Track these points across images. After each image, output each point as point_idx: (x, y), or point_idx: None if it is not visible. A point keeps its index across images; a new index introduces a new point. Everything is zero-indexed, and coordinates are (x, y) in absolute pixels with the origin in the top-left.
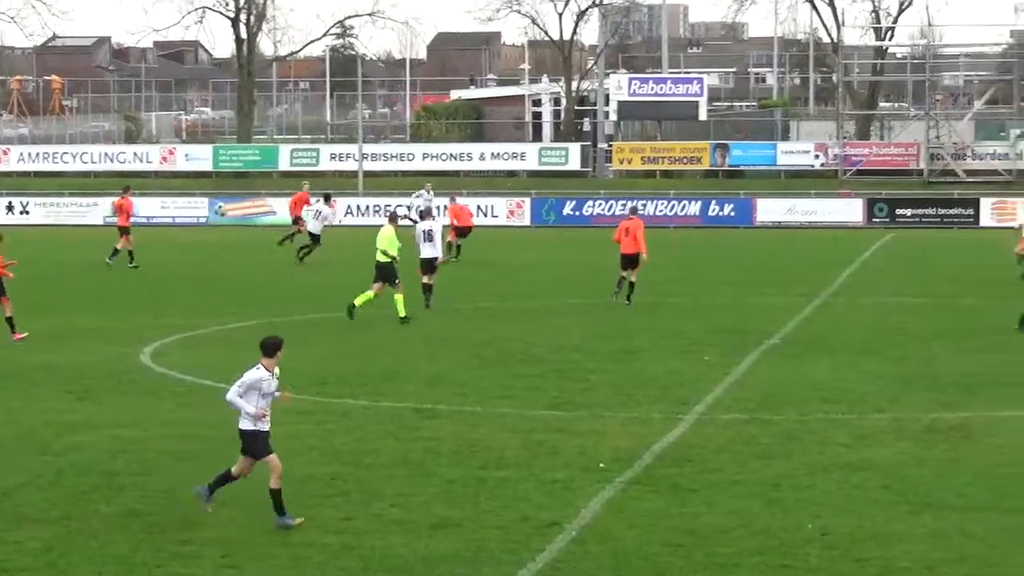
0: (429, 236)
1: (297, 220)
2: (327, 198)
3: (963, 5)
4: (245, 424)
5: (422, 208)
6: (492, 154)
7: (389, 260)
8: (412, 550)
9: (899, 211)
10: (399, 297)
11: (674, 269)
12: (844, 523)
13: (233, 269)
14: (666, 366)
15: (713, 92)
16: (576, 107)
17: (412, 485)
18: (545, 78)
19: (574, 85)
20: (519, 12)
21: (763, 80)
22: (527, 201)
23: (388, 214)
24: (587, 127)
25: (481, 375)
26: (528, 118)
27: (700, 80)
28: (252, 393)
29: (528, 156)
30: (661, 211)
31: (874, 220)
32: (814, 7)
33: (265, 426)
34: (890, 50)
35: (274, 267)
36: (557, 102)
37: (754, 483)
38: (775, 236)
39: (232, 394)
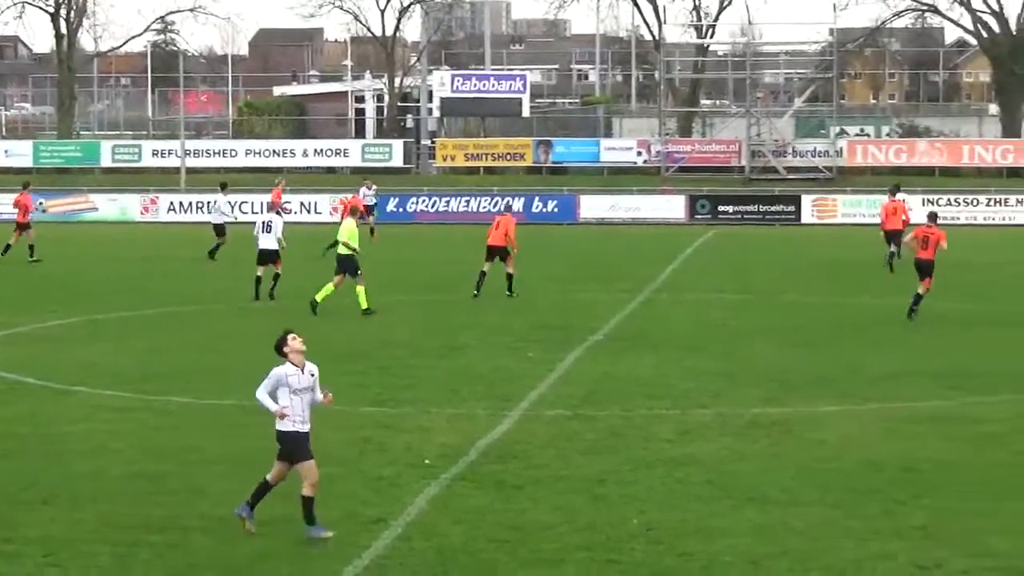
0: (268, 228)
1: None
2: (223, 187)
3: (783, 3)
4: (284, 425)
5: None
6: (315, 151)
7: (351, 252)
8: (238, 548)
9: (721, 208)
10: (361, 289)
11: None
12: (668, 518)
13: (55, 266)
14: (491, 362)
15: (536, 89)
16: (399, 104)
17: (238, 483)
18: (368, 75)
19: (397, 82)
20: (341, 8)
21: (586, 77)
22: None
23: (349, 208)
24: (410, 124)
25: None
26: (351, 115)
27: (523, 77)
28: (282, 391)
29: (351, 153)
30: (485, 208)
31: (696, 217)
32: (635, 5)
33: (306, 427)
34: (711, 48)
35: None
36: (380, 99)
37: (579, 479)
38: (598, 232)
39: (259, 391)
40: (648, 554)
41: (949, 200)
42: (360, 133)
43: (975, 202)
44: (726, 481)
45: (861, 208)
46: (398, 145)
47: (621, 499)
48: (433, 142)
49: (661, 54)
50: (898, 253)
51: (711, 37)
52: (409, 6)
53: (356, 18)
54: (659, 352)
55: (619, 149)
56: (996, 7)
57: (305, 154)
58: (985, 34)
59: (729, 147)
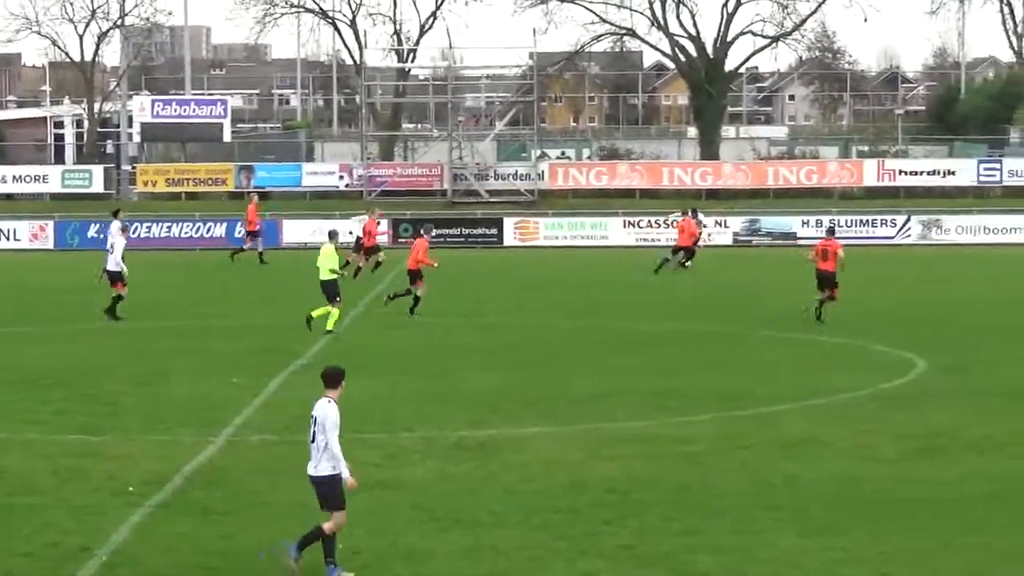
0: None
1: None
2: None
3: (484, 28)
4: (324, 470)
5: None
6: (13, 177)
7: (334, 277)
8: None
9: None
10: (335, 312)
11: (207, 290)
12: (375, 542)
13: None
14: (197, 388)
15: (237, 114)
16: (99, 129)
17: None
18: (67, 100)
19: (97, 107)
20: (39, 33)
21: (287, 102)
22: (50, 224)
23: (328, 232)
24: (110, 149)
25: (6, 400)
26: (50, 140)
27: (224, 102)
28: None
29: (51, 178)
30: (187, 233)
31: (400, 240)
32: (336, 29)
33: (337, 469)
34: (413, 72)
35: None
36: (80, 124)
37: (285, 504)
38: (302, 257)
39: (336, 444)
40: None
41: (649, 222)
42: (60, 159)
43: (675, 224)
44: (433, 504)
45: (563, 231)
46: (98, 171)
47: None
48: (134, 168)
49: (362, 78)
50: (683, 263)
51: (412, 61)
52: (108, 31)
53: (54, 43)
54: (365, 375)
55: (321, 173)
56: (693, 31)
57: (4, 180)
58: (683, 58)
59: (431, 171)
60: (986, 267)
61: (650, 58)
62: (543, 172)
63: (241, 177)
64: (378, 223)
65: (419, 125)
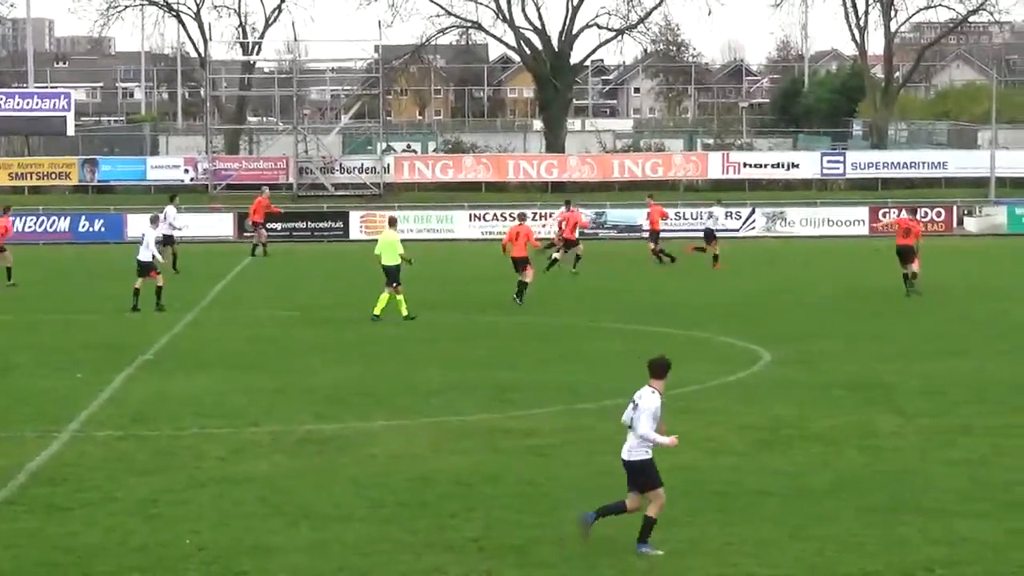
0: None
1: (257, 225)
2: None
3: (329, 21)
4: (639, 454)
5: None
6: None
7: (398, 263)
8: None
9: (269, 224)
10: (400, 298)
11: (48, 285)
12: (221, 537)
13: None
14: (40, 384)
15: (81, 107)
16: None
17: None
18: None
19: None
20: None
21: (131, 95)
22: None
23: (388, 219)
24: None
25: None
26: None
27: (67, 95)
28: (655, 424)
29: None
30: (30, 228)
31: (245, 235)
32: (180, 22)
33: (649, 454)
34: (258, 65)
35: None
36: None
37: (131, 500)
38: None
39: (648, 430)
40: (202, 574)
41: (495, 215)
42: None
43: (522, 217)
44: (279, 498)
45: (409, 223)
46: None
47: (174, 519)
48: None
49: (207, 71)
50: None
51: (257, 54)
52: None
53: None
54: (210, 370)
55: (166, 167)
56: (539, 24)
57: None
58: (528, 51)
59: (277, 164)
60: (829, 259)
61: (496, 51)
62: (389, 165)
63: (85, 171)
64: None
65: (264, 118)
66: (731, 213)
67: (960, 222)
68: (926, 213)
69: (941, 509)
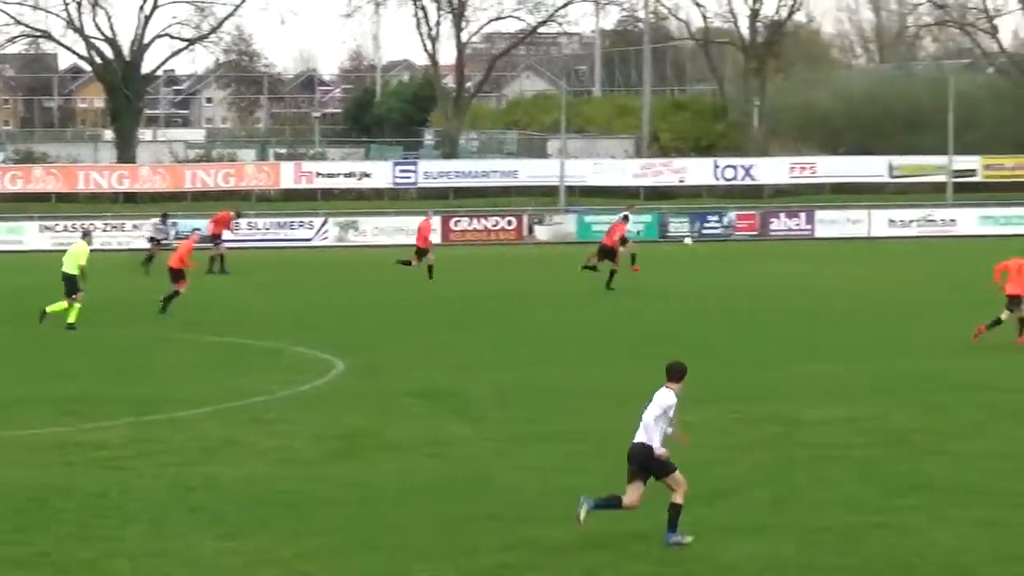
0: None
1: (216, 239)
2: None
3: None
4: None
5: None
6: None
7: (76, 273)
8: None
9: None
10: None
11: None
12: None
13: None
14: None
15: None
16: None
17: None
18: None
19: None
20: None
21: None
22: None
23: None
24: None
25: None
26: None
27: None
28: (662, 419)
29: None
30: None
31: None
32: None
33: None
34: None
35: None
36: None
37: None
38: None
39: (652, 419)
40: None
41: (66, 226)
42: None
43: (93, 227)
44: None
45: None
46: None
47: None
48: None
49: None
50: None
51: None
52: None
53: None
54: None
55: None
56: (110, 33)
57: None
58: (99, 60)
59: None
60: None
61: (66, 60)
62: None
63: None
64: None
65: None
66: (304, 223)
67: (531, 230)
68: (497, 222)
69: (512, 515)
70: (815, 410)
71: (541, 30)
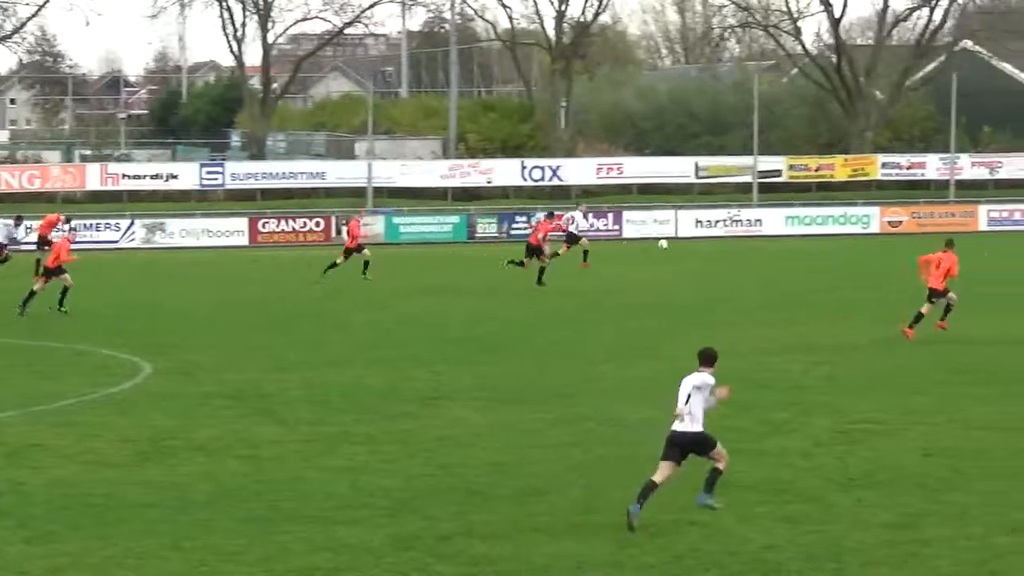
0: None
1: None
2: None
3: None
4: (698, 427)
5: None
6: None
7: None
8: None
9: None
10: None
11: None
12: None
13: None
14: None
15: None
16: None
17: None
18: None
19: None
20: None
21: None
22: None
23: None
24: None
25: None
26: None
27: None
28: (709, 399)
29: None
30: None
31: None
32: None
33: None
34: None
35: None
36: None
37: None
38: None
39: (698, 406)
40: None
41: None
42: None
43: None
44: None
45: None
46: None
47: None
48: None
49: None
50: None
51: None
52: None
53: None
54: None
55: None
56: None
57: None
58: None
59: None
60: (210, 269)
61: None
62: None
63: None
64: None
65: None
66: (111, 225)
67: (339, 232)
68: (305, 223)
69: (322, 516)
70: (630, 410)
71: (348, 31)
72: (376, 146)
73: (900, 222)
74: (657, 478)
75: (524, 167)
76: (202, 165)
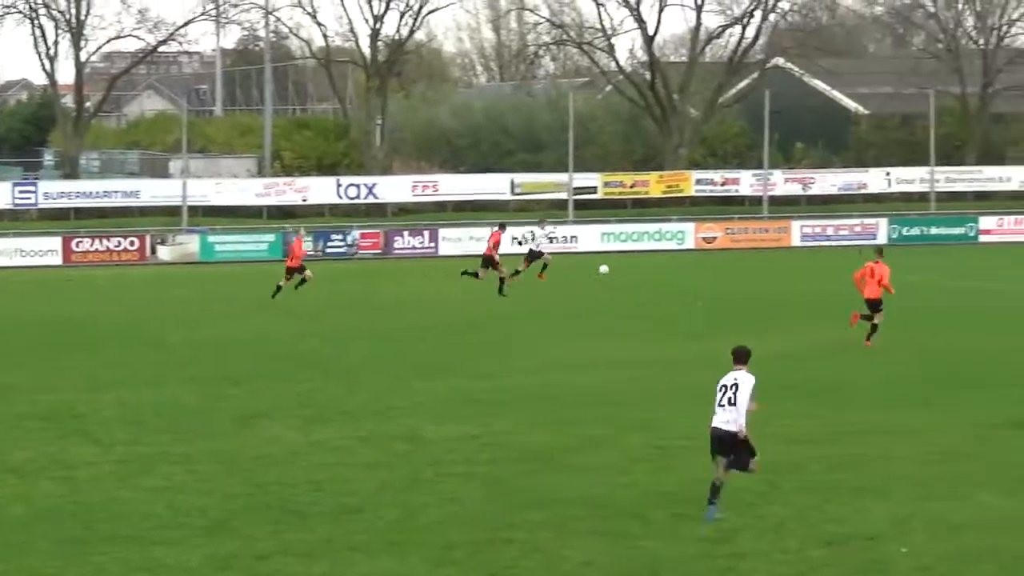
0: None
1: None
2: None
3: None
4: (736, 427)
5: None
6: None
7: None
8: None
9: None
10: None
11: None
12: None
13: None
14: None
15: None
16: None
17: None
18: None
19: None
20: None
21: None
22: None
23: None
24: None
25: None
26: None
27: None
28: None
29: None
30: None
31: None
32: None
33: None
34: None
35: None
36: None
37: None
38: None
39: (743, 403)
40: None
41: None
42: None
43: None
44: None
45: None
46: None
47: None
48: None
49: None
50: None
51: None
52: None
53: None
54: None
55: None
56: None
57: None
58: None
59: None
60: (23, 289)
61: None
62: None
63: None
64: None
65: None
66: None
67: (154, 251)
68: (119, 243)
69: (139, 537)
70: (440, 427)
71: (162, 49)
72: (191, 164)
73: (714, 238)
74: (719, 475)
75: (340, 185)
76: (15, 184)
